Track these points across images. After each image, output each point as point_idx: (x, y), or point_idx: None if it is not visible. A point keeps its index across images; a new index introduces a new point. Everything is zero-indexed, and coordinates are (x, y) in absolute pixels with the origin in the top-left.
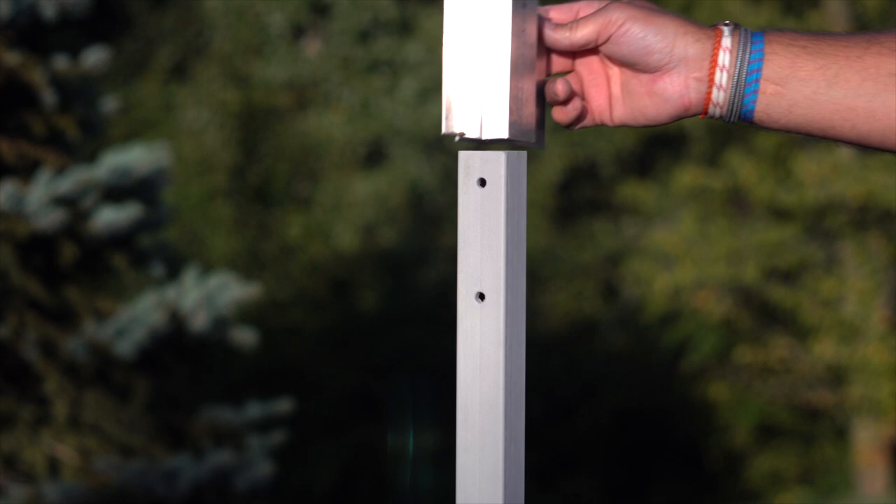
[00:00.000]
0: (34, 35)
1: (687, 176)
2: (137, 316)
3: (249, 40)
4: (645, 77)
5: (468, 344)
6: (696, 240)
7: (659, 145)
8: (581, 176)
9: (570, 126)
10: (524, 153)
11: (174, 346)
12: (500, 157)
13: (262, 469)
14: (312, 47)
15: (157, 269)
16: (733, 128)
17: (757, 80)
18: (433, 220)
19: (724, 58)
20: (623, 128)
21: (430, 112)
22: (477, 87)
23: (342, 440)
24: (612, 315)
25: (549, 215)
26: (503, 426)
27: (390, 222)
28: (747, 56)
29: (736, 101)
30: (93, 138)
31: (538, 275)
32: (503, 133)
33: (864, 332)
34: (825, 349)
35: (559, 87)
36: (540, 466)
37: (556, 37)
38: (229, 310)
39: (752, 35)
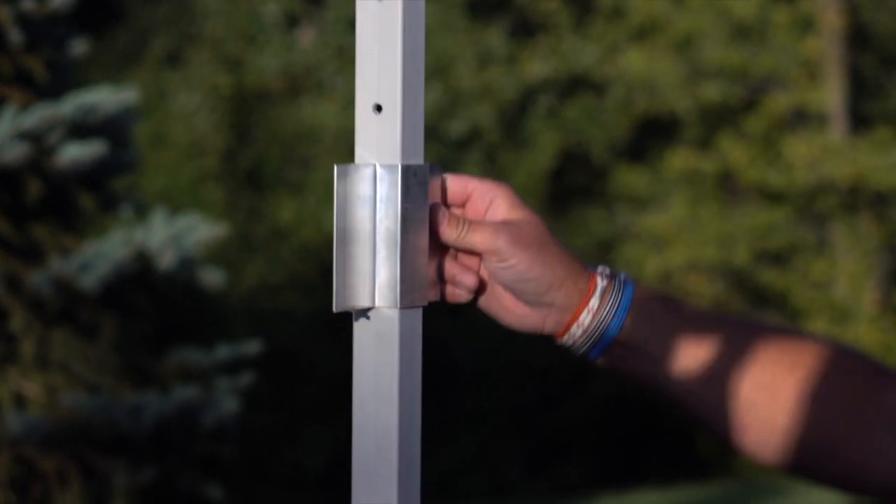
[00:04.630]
0: None
1: (678, 159)
2: (103, 251)
3: (243, 30)
4: (510, 294)
5: (366, 157)
6: (688, 223)
7: (651, 130)
8: (574, 162)
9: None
10: None
11: (141, 284)
12: None
13: (229, 406)
14: (306, 36)
15: (127, 212)
16: (725, 112)
17: (608, 346)
18: None
19: (585, 317)
20: (616, 115)
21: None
22: (368, 262)
23: (334, 422)
24: None
25: (542, 202)
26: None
27: None
28: (607, 323)
29: (582, 352)
30: (62, 82)
31: None
32: (395, 303)
33: (855, 314)
34: (816, 331)
35: (464, 297)
36: (532, 452)
37: (444, 234)
38: (197, 250)
39: (621, 297)
